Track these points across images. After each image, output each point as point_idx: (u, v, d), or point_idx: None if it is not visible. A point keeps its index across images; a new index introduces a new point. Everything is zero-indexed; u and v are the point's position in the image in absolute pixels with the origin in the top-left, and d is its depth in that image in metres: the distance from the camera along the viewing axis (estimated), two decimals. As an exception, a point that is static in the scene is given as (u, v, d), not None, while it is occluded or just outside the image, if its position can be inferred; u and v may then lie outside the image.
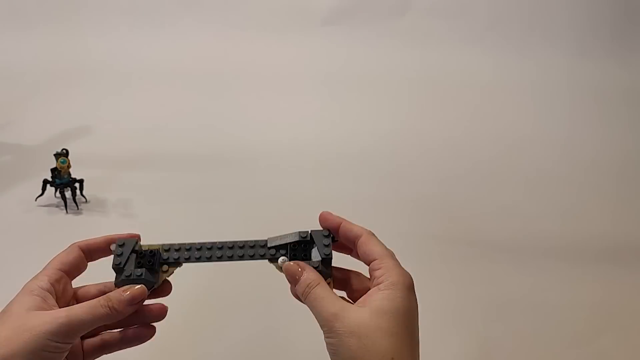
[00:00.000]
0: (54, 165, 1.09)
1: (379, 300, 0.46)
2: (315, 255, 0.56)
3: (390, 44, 1.91)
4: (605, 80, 1.78)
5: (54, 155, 1.09)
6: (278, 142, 1.43)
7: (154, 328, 0.53)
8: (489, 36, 1.92)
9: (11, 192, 1.17)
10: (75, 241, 0.53)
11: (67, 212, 1.09)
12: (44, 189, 1.10)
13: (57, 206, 1.11)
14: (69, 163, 1.09)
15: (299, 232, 0.56)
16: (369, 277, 0.50)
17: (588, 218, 1.16)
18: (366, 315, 0.45)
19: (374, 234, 0.53)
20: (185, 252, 0.56)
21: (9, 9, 1.94)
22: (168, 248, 0.56)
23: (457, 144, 1.45)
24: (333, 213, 0.55)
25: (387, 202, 1.19)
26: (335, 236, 0.55)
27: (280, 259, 0.55)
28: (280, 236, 0.57)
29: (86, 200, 1.13)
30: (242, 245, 0.57)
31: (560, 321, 0.88)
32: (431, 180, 1.28)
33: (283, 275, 0.52)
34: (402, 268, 0.49)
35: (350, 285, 0.53)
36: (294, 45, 1.88)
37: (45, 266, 0.52)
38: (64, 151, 1.10)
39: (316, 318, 0.47)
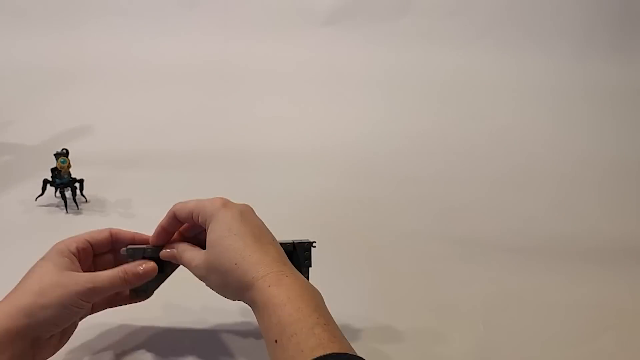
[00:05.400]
0: (54, 165, 1.09)
1: (208, 240, 0.59)
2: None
3: (391, 44, 1.91)
4: (606, 79, 1.78)
5: (54, 155, 1.09)
6: (278, 142, 1.43)
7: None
8: (489, 36, 1.92)
9: (11, 192, 1.17)
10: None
11: (67, 212, 1.09)
12: (44, 188, 1.10)
13: (57, 206, 1.11)
14: (69, 163, 1.09)
15: (285, 242, 0.67)
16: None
17: (588, 218, 1.16)
18: (205, 255, 0.60)
19: (179, 204, 0.65)
20: None
21: (9, 9, 1.94)
22: None
23: (457, 143, 1.45)
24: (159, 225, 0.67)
25: (387, 202, 1.19)
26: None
27: None
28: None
29: (86, 200, 1.13)
30: None
31: (560, 321, 0.88)
32: (431, 179, 1.28)
33: None
34: (207, 200, 0.62)
35: None
36: (294, 46, 1.88)
37: (76, 235, 0.63)
38: (64, 151, 1.10)
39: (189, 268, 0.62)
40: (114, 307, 0.67)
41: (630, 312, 0.90)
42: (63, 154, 1.09)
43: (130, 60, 1.82)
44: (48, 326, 0.55)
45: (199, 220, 0.61)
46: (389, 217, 1.14)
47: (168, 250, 0.64)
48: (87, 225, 1.11)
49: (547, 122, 1.58)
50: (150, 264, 0.62)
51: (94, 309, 0.65)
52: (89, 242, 0.62)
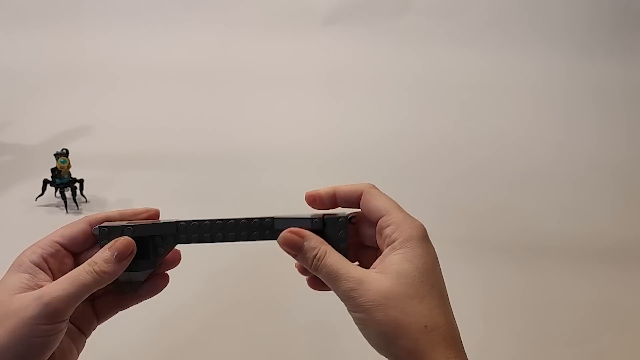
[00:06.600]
0: (54, 165, 1.09)
1: (397, 263, 0.43)
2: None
3: (390, 44, 1.91)
4: (605, 80, 1.78)
5: (54, 155, 1.09)
6: (278, 142, 1.43)
7: (167, 276, 0.49)
8: (489, 36, 1.92)
9: (11, 192, 1.17)
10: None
11: (67, 212, 1.09)
12: (44, 188, 1.10)
13: (57, 206, 1.11)
14: (69, 163, 1.09)
15: (312, 217, 0.49)
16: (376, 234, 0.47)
17: (588, 218, 1.16)
18: (388, 283, 0.42)
19: (374, 187, 0.51)
20: (183, 232, 0.52)
21: (9, 9, 1.94)
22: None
23: (456, 143, 1.45)
24: (318, 190, 0.53)
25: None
26: (352, 218, 0.50)
27: None
28: (288, 218, 0.52)
29: (86, 200, 1.13)
30: (246, 224, 0.54)
31: (560, 321, 0.88)
32: (431, 180, 1.28)
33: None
34: (412, 218, 0.45)
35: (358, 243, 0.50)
36: (294, 45, 1.88)
37: (42, 238, 0.47)
38: (64, 151, 1.11)
39: (335, 292, 0.44)
40: (125, 308, 0.49)
41: (630, 312, 0.90)
42: (63, 154, 1.09)
43: (130, 60, 1.82)
44: None
45: (385, 228, 0.45)
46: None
47: (291, 233, 0.48)
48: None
49: (546, 122, 1.58)
50: (122, 239, 0.44)
51: (99, 316, 0.49)
52: (58, 242, 0.46)
